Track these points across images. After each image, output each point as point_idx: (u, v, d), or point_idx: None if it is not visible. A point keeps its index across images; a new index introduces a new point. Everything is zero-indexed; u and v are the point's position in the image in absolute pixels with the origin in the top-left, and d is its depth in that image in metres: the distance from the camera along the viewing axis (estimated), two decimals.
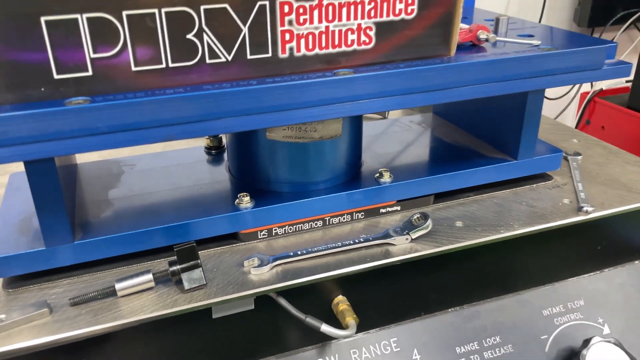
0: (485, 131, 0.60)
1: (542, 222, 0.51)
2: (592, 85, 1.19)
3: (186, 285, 0.42)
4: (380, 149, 0.60)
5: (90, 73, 0.36)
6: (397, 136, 0.63)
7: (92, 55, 0.35)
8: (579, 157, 0.62)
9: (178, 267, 0.42)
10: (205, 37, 0.37)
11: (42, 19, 0.33)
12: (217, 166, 0.57)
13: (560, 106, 1.32)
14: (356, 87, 0.41)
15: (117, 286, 0.42)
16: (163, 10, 0.35)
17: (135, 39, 0.36)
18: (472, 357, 0.51)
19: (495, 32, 0.53)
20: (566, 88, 1.32)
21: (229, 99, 0.38)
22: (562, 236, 0.54)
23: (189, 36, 0.37)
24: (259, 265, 0.45)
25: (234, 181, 0.53)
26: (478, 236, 0.49)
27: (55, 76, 0.35)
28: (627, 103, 1.12)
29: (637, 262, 0.59)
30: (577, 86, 1.32)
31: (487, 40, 0.48)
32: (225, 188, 0.52)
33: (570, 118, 1.25)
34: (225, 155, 0.58)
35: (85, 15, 0.34)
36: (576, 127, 1.23)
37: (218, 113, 0.37)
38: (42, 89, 0.35)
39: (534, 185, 0.57)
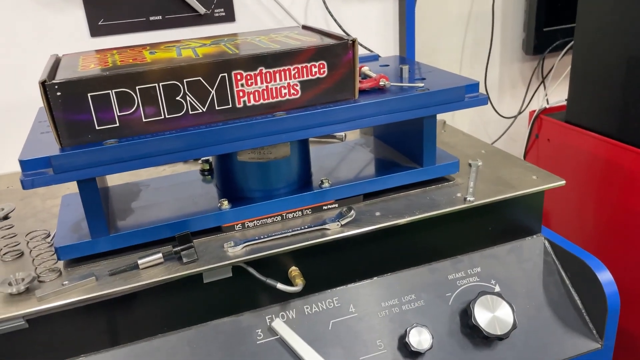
0: (405, 148, 0.81)
1: (436, 209, 0.71)
2: (551, 103, 1.38)
3: (184, 260, 0.63)
4: (329, 163, 0.81)
5: (117, 124, 0.58)
6: (343, 154, 0.84)
7: (118, 114, 0.58)
8: (479, 163, 0.83)
9: (178, 247, 0.64)
10: (187, 98, 0.60)
11: (89, 95, 0.56)
12: (209, 183, 0.79)
13: (514, 123, 1.52)
14: (288, 124, 0.62)
15: (139, 262, 0.63)
16: (160, 84, 0.58)
17: (144, 102, 0.58)
18: (393, 309, 0.71)
19: (400, 78, 0.74)
20: (516, 108, 1.53)
21: (204, 135, 0.60)
22: (460, 220, 0.74)
23: (178, 98, 0.59)
24: (234, 246, 0.66)
25: (219, 192, 0.75)
26: (388, 220, 0.70)
27: (97, 127, 0.57)
28: (565, 118, 1.32)
29: (519, 240, 0.78)
30: (524, 106, 1.52)
31: (384, 86, 0.69)
32: (213, 197, 0.74)
33: (524, 134, 1.44)
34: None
35: (114, 91, 0.57)
36: (527, 141, 1.43)
37: (197, 145, 0.60)
38: (89, 136, 0.58)
39: (440, 185, 0.78)
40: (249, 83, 0.61)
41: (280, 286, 0.65)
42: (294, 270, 0.68)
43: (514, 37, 1.52)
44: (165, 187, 0.78)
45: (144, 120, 0.59)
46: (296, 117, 0.63)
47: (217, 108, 0.61)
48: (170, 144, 0.59)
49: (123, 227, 0.67)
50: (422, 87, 0.68)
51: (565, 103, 1.35)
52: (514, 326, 0.69)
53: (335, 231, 0.68)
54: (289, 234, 0.68)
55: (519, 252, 0.78)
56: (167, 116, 0.59)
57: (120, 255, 0.66)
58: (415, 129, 0.75)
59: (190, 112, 0.60)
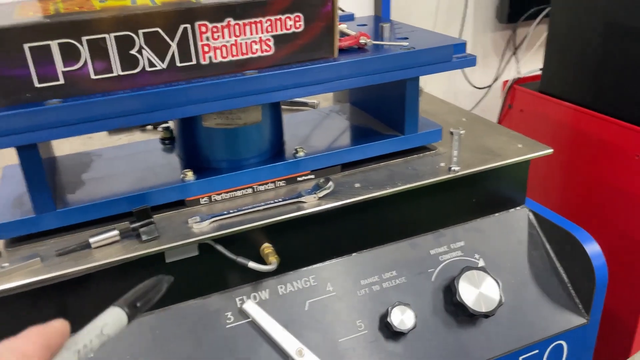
0: (384, 115, 0.75)
1: (419, 180, 0.66)
2: (524, 73, 1.35)
3: (143, 237, 0.56)
4: (302, 131, 0.74)
5: (61, 82, 0.50)
6: (318, 121, 0.78)
7: (63, 69, 0.50)
8: (462, 132, 0.78)
9: (136, 224, 0.57)
10: (144, 52, 0.52)
11: (26, 46, 0.48)
12: (170, 153, 0.71)
13: (487, 94, 1.49)
14: (259, 84, 0.55)
15: (91, 240, 0.56)
16: (112, 35, 0.50)
17: (93, 56, 0.50)
18: (373, 287, 0.66)
19: (381, 37, 0.68)
20: (489, 79, 1.49)
21: (164, 96, 0.52)
22: (444, 191, 0.69)
23: (132, 52, 0.51)
24: (200, 221, 0.59)
25: (182, 163, 0.68)
26: (369, 192, 0.64)
27: (37, 85, 0.49)
28: (539, 88, 1.29)
29: (502, 212, 0.75)
30: (497, 76, 1.49)
31: (365, 44, 0.63)
32: (175, 168, 0.67)
33: (497, 104, 1.41)
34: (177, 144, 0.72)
35: (56, 41, 0.48)
36: (501, 112, 1.40)
37: (156, 106, 0.52)
38: (28, 95, 0.49)
39: (421, 154, 0.73)
40: (215, 36, 0.54)
41: (252, 265, 0.59)
42: (267, 248, 0.62)
43: (488, 5, 1.48)
44: (121, 157, 0.70)
45: (92, 77, 0.51)
46: (269, 77, 0.56)
47: (178, 65, 0.54)
48: (123, 105, 0.51)
49: (73, 202, 0.59)
50: (407, 45, 0.62)
51: (539, 73, 1.32)
52: (500, 302, 0.65)
53: (312, 204, 0.62)
54: (261, 208, 0.61)
55: (503, 225, 0.74)
56: (120, 73, 0.52)
57: (70, 233, 0.59)
58: (396, 93, 0.69)
59: (148, 69, 0.52)
